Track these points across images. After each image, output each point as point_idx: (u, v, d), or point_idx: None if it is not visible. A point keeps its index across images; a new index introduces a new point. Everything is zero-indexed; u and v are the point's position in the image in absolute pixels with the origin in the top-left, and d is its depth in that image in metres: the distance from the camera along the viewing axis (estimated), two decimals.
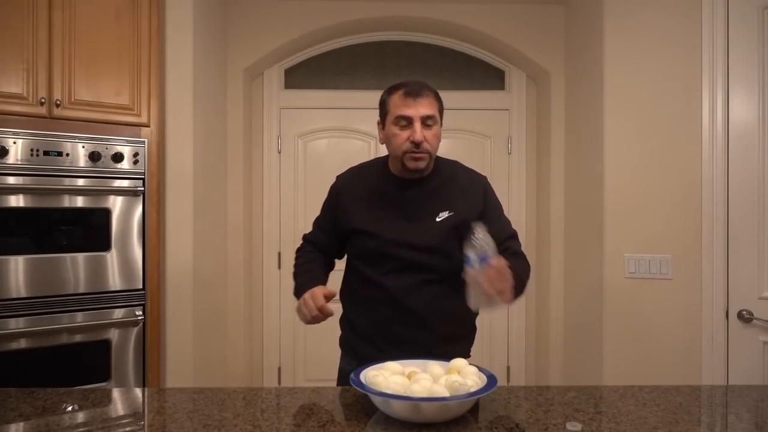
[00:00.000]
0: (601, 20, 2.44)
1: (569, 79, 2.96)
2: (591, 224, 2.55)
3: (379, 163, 1.59)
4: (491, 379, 1.13)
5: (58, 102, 2.08)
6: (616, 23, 2.38)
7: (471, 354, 1.58)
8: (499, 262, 1.22)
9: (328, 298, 1.38)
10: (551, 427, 1.06)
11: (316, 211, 3.59)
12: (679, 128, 2.28)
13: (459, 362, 1.20)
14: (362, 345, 1.52)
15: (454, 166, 1.58)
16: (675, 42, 2.29)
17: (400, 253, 1.46)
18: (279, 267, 3.24)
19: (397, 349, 1.36)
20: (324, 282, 1.52)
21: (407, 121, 1.41)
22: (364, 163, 1.66)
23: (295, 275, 1.59)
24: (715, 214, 2.21)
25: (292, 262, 1.70)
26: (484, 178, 1.59)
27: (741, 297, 2.17)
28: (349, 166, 1.67)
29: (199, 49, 2.50)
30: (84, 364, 2.14)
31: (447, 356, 1.26)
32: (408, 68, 3.27)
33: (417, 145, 1.40)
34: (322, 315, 1.36)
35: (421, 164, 1.44)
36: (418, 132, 1.40)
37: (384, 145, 1.52)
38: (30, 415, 1.12)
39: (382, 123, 1.50)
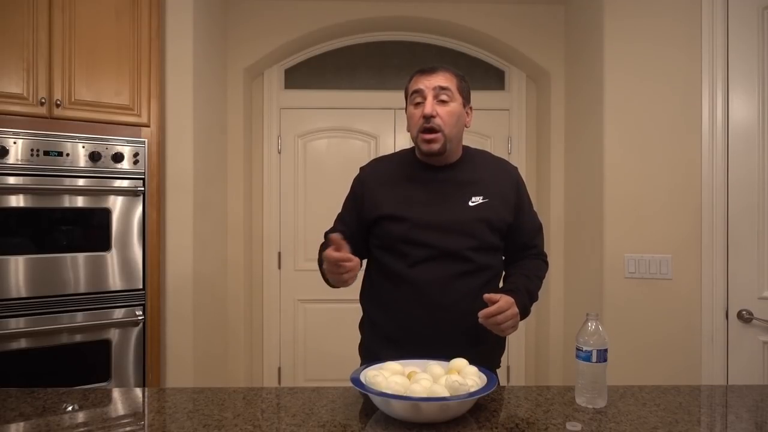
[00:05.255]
0: (601, 20, 2.44)
1: (569, 79, 2.96)
2: (591, 224, 2.55)
3: (406, 152, 1.53)
4: (491, 379, 1.13)
5: (59, 102, 2.08)
6: (616, 23, 2.38)
7: (501, 364, 1.53)
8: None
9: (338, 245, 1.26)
10: (551, 427, 1.06)
11: (317, 211, 3.58)
12: (679, 128, 2.28)
13: (459, 362, 1.20)
14: (386, 350, 1.38)
15: (484, 155, 1.53)
16: (675, 42, 2.29)
17: (429, 239, 1.37)
18: (279, 267, 3.24)
19: (426, 353, 1.27)
20: None
21: (421, 96, 1.37)
22: (390, 153, 1.61)
23: (319, 261, 1.46)
24: (715, 214, 2.21)
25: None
26: (516, 169, 1.54)
27: (741, 297, 2.17)
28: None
29: (199, 49, 2.50)
30: (84, 364, 2.14)
31: (478, 359, 1.21)
32: (408, 68, 3.24)
33: (428, 119, 1.34)
34: (347, 264, 1.24)
35: (435, 146, 1.37)
36: (429, 105, 1.34)
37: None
38: (30, 415, 1.12)
39: (405, 110, 1.46)
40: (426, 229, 1.38)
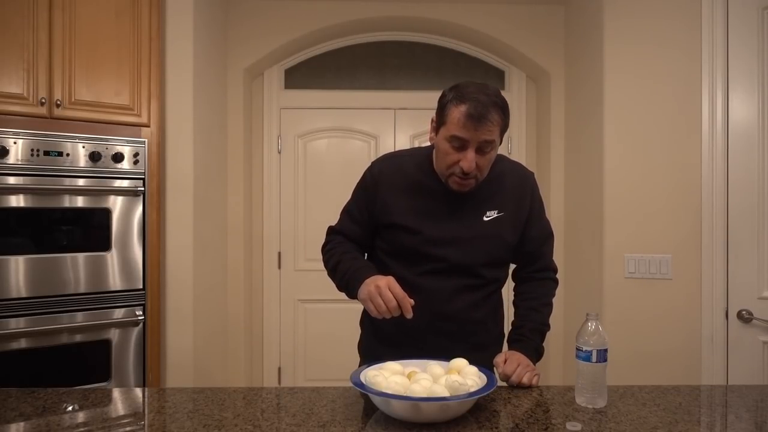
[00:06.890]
0: (601, 20, 2.44)
1: (569, 80, 2.96)
2: (591, 224, 2.55)
3: (421, 156, 1.43)
4: (491, 379, 1.13)
5: (59, 102, 2.08)
6: (616, 23, 2.38)
7: None
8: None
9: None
10: (551, 427, 1.06)
11: (317, 211, 3.56)
12: (679, 128, 2.28)
13: (459, 362, 1.20)
14: (387, 352, 1.34)
15: (501, 161, 1.45)
16: (675, 42, 2.29)
17: (442, 253, 1.35)
18: (279, 267, 3.24)
19: (425, 355, 1.28)
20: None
21: (461, 144, 1.26)
22: (404, 152, 1.52)
23: (338, 264, 1.40)
24: (715, 214, 2.21)
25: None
26: (532, 174, 1.49)
27: (741, 297, 2.17)
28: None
29: (200, 49, 2.50)
30: (84, 364, 2.14)
31: (476, 363, 1.21)
32: (408, 68, 3.27)
33: (466, 173, 1.28)
34: (401, 307, 1.22)
35: (466, 189, 1.33)
36: (470, 160, 1.26)
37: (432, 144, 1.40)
38: (30, 415, 1.12)
39: (436, 126, 1.33)
40: (438, 244, 1.36)
